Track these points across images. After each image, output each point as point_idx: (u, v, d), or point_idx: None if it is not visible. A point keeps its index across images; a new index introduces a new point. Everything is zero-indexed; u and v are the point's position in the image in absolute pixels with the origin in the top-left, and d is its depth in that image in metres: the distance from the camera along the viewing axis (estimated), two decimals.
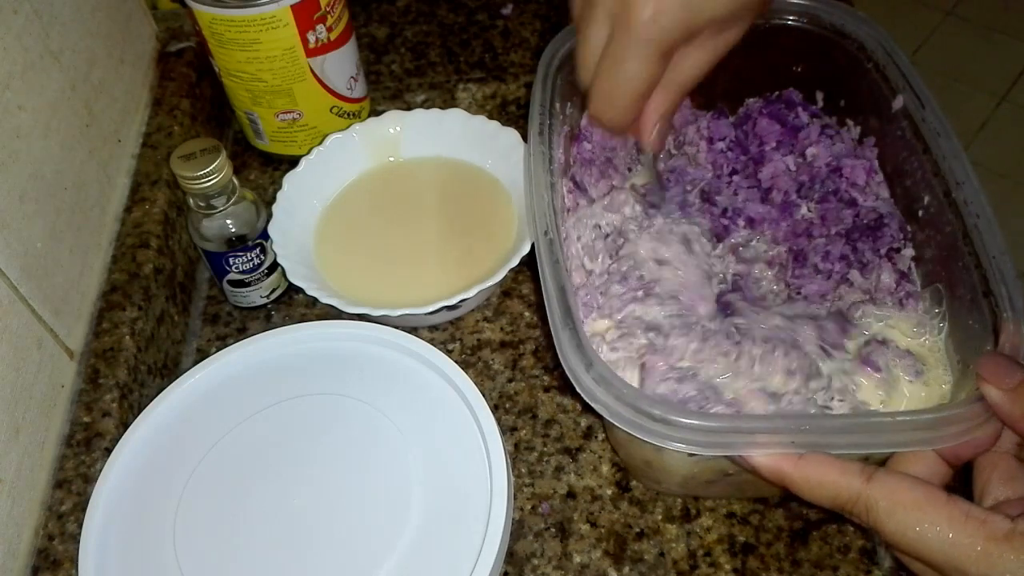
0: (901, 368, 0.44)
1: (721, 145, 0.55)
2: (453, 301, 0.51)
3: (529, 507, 0.49)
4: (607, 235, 0.50)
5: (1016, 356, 0.37)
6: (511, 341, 0.56)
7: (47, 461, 0.47)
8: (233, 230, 0.53)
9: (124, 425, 0.48)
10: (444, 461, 0.44)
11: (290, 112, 0.62)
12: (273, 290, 0.58)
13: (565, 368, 0.39)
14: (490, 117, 0.60)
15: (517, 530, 0.48)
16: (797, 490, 0.36)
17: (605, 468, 0.50)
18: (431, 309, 0.50)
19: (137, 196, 0.58)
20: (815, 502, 0.36)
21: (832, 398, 0.43)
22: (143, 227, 0.56)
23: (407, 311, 0.50)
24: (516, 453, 0.51)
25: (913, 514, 0.33)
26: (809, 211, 0.51)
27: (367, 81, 0.68)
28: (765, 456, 0.36)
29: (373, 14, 0.77)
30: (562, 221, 0.50)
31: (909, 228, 0.48)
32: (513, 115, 0.69)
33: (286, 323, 0.57)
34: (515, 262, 0.51)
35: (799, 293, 0.48)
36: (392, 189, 0.61)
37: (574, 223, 0.51)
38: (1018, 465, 0.36)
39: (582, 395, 0.38)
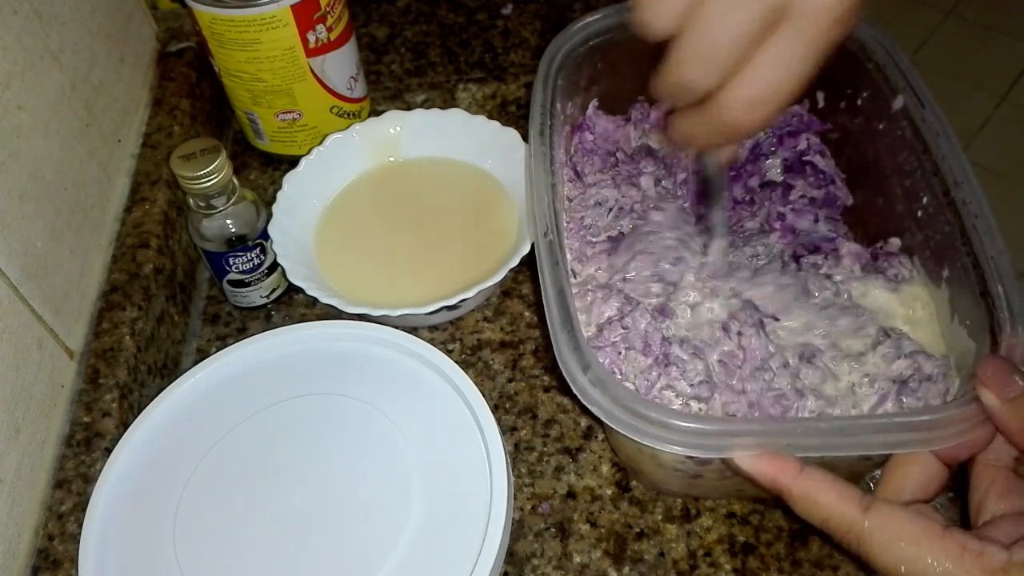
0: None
1: None
2: (453, 301, 0.51)
3: (529, 507, 0.49)
4: (611, 209, 0.51)
5: (1012, 357, 0.37)
6: (511, 341, 0.56)
7: (47, 461, 0.47)
8: (233, 230, 0.53)
9: (124, 425, 0.48)
10: (444, 461, 0.44)
11: (290, 112, 0.62)
12: (273, 290, 0.58)
13: (563, 370, 0.39)
14: (490, 117, 0.60)
15: (517, 530, 0.48)
16: (791, 503, 0.36)
17: (605, 468, 0.50)
18: (431, 309, 0.50)
19: (137, 196, 0.58)
20: (805, 518, 0.36)
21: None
22: (143, 227, 0.56)
23: (407, 311, 0.50)
24: (516, 453, 0.51)
25: (911, 548, 0.33)
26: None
27: (367, 81, 0.68)
28: (765, 464, 0.36)
29: (373, 14, 0.77)
30: (563, 217, 0.50)
31: (907, 225, 0.49)
32: (513, 115, 0.69)
33: (286, 323, 0.57)
34: (515, 262, 0.51)
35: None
36: (392, 189, 0.61)
37: (574, 207, 0.51)
38: (1015, 480, 0.36)
39: (579, 397, 0.38)
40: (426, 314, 0.50)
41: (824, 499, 0.35)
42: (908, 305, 0.47)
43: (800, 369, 0.43)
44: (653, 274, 0.47)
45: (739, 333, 0.44)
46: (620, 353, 0.45)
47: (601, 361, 0.44)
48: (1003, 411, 0.34)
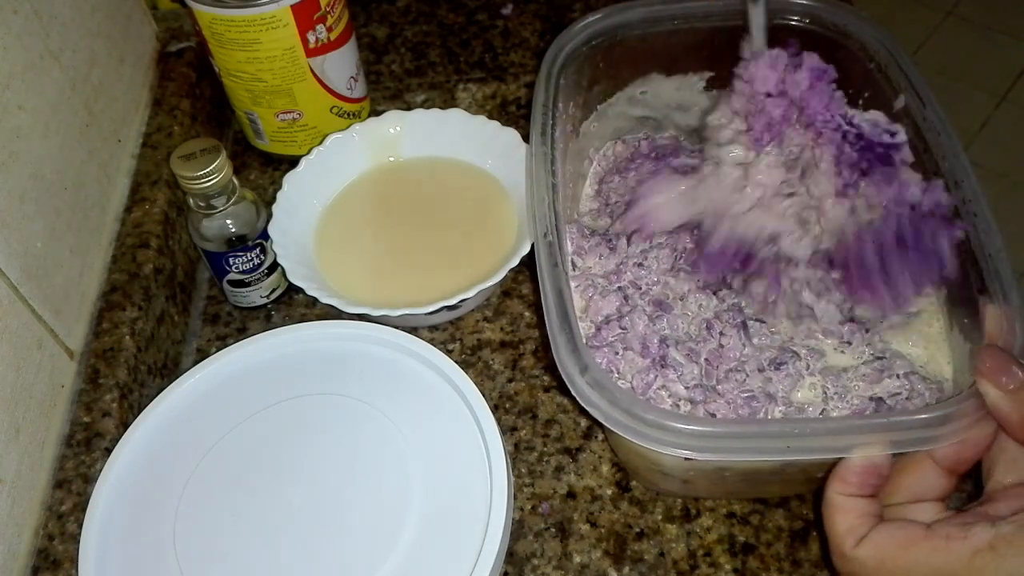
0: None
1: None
2: (453, 301, 0.50)
3: (529, 507, 0.49)
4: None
5: (1011, 353, 0.36)
6: (511, 341, 0.56)
7: (47, 461, 0.47)
8: (233, 230, 0.53)
9: (124, 425, 0.48)
10: (444, 461, 0.44)
11: (290, 112, 0.62)
12: (273, 290, 0.58)
13: (561, 372, 0.39)
14: (490, 117, 0.60)
15: (517, 530, 0.48)
16: (822, 504, 0.37)
17: (605, 468, 0.50)
18: (431, 309, 0.50)
19: (137, 196, 0.58)
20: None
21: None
22: (143, 227, 0.56)
23: (407, 311, 0.50)
24: (516, 453, 0.51)
25: (901, 559, 0.33)
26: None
27: (367, 81, 0.68)
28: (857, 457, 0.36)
29: (373, 14, 0.77)
30: (564, 217, 0.50)
31: None
32: (513, 115, 0.69)
33: (286, 323, 0.57)
34: (515, 262, 0.51)
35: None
36: (392, 189, 0.61)
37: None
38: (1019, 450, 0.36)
39: (577, 399, 0.38)
40: (426, 314, 0.50)
41: (832, 522, 0.36)
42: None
43: (772, 376, 0.43)
44: (673, 268, 0.47)
45: (721, 333, 0.45)
46: (617, 353, 0.45)
47: (599, 360, 0.44)
48: (1003, 403, 0.34)
